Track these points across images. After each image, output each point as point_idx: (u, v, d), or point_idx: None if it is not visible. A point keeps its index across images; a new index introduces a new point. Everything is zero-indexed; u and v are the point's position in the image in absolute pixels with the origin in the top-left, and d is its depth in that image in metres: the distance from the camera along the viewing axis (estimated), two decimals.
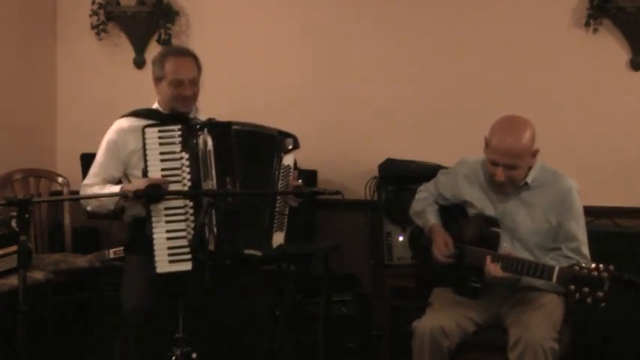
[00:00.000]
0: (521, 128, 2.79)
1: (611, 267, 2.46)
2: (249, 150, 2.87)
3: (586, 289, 2.45)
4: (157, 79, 3.00)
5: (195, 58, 3.01)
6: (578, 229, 2.85)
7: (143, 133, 2.83)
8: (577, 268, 2.50)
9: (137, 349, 2.73)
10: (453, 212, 3.06)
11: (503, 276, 2.71)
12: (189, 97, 2.96)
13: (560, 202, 2.85)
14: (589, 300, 2.46)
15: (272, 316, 3.10)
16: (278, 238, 2.90)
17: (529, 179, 2.87)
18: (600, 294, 2.43)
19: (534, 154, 2.83)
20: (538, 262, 2.68)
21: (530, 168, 2.86)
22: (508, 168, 2.78)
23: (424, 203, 3.12)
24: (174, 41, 4.43)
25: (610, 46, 3.92)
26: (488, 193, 2.94)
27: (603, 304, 2.44)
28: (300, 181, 3.00)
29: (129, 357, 2.76)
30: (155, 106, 3.05)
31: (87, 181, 3.02)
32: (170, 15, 4.41)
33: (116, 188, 2.89)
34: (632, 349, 3.47)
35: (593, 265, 2.47)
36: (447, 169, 3.15)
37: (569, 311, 2.93)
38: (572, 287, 2.48)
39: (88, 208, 2.99)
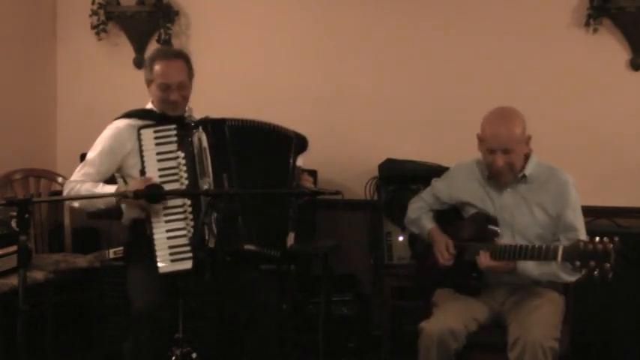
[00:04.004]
0: (511, 115, 2.86)
1: (616, 238, 2.47)
2: (248, 146, 2.87)
3: (592, 263, 2.45)
4: (148, 82, 2.99)
5: (185, 60, 2.98)
6: (576, 219, 2.86)
7: (139, 134, 2.83)
8: (581, 243, 2.51)
9: (149, 348, 2.72)
10: (448, 216, 3.10)
11: (495, 264, 2.74)
12: (176, 101, 2.93)
13: (558, 195, 2.87)
14: (596, 273, 2.46)
15: (280, 311, 3.11)
16: (290, 239, 2.91)
17: (527, 172, 2.89)
18: (607, 265, 2.44)
19: (527, 140, 2.88)
20: (541, 245, 2.69)
21: (526, 159, 2.90)
22: (505, 153, 2.82)
23: (418, 212, 3.17)
24: (174, 41, 4.43)
25: (610, 46, 3.92)
26: (486, 189, 2.97)
27: (611, 275, 2.44)
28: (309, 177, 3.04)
29: (142, 357, 2.75)
30: (149, 106, 3.04)
31: (75, 177, 2.95)
32: (170, 15, 4.41)
33: (111, 188, 2.86)
34: (632, 350, 3.47)
35: (597, 239, 2.48)
36: (443, 175, 3.19)
37: (568, 311, 2.94)
38: (578, 263, 2.49)
39: (75, 205, 2.96)
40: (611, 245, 2.45)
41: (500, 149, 2.81)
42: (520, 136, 2.83)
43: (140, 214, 2.89)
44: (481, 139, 2.89)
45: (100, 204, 2.88)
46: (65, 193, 2.97)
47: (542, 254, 2.65)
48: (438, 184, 3.16)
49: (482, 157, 2.91)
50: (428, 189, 3.20)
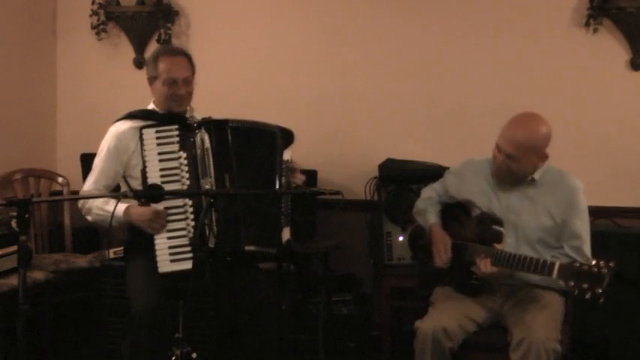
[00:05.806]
0: (537, 125, 2.82)
1: (611, 264, 2.45)
2: (247, 147, 2.88)
3: (585, 285, 2.44)
4: (151, 79, 3.00)
5: (188, 58, 3.01)
6: (583, 228, 2.85)
7: (140, 134, 2.84)
8: (577, 264, 2.50)
9: (147, 348, 2.72)
10: (455, 211, 3.07)
11: (493, 271, 2.73)
12: (183, 96, 2.96)
13: (566, 201, 2.86)
14: (588, 296, 2.45)
15: (280, 310, 3.11)
16: (285, 234, 2.92)
17: (537, 175, 2.88)
18: (599, 290, 2.42)
19: (543, 157, 2.84)
20: (539, 257, 2.67)
21: (535, 168, 2.87)
22: (508, 157, 2.80)
23: (427, 202, 3.14)
24: (174, 41, 4.43)
25: (610, 46, 3.92)
26: (494, 188, 2.95)
27: (602, 300, 2.43)
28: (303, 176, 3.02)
29: (140, 356, 2.74)
30: (151, 106, 3.05)
31: (87, 187, 2.99)
32: (170, 15, 4.42)
33: (120, 208, 2.84)
34: (632, 351, 3.47)
35: (594, 262, 2.46)
36: (454, 169, 3.15)
37: (569, 311, 2.93)
38: (572, 283, 2.48)
39: (89, 218, 2.97)
40: (606, 270, 2.43)
41: (505, 152, 2.80)
42: (533, 149, 2.80)
43: None
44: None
45: (113, 222, 2.85)
46: (79, 205, 2.99)
47: (538, 268, 2.62)
48: (449, 177, 3.13)
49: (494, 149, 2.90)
50: (441, 179, 3.17)
